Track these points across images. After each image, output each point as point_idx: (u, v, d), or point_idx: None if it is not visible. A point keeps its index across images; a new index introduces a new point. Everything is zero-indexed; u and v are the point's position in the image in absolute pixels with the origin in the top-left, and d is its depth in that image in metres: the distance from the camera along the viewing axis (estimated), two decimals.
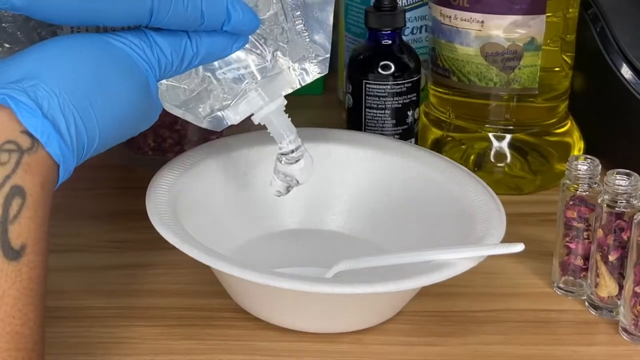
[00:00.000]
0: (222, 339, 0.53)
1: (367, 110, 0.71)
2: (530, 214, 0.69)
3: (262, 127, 0.56)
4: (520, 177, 0.72)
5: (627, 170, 0.53)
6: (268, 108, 0.54)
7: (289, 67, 0.55)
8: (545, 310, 0.57)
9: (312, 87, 0.60)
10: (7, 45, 0.49)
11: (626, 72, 0.73)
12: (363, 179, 0.64)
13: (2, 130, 0.40)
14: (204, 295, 0.58)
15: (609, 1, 0.76)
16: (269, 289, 0.49)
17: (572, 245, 0.57)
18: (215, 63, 0.53)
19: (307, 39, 0.55)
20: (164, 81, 0.52)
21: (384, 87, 0.70)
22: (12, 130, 0.40)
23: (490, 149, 0.72)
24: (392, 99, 0.71)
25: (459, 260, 0.50)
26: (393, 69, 0.70)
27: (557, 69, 0.72)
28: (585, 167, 0.56)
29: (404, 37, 0.74)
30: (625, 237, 0.53)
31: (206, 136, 0.73)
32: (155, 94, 0.48)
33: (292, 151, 0.56)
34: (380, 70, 0.70)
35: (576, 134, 0.76)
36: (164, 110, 0.51)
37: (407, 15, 0.77)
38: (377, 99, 0.71)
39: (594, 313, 0.56)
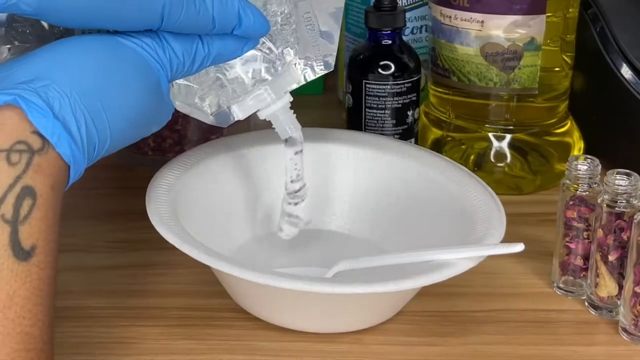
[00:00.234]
0: (222, 339, 0.53)
1: (367, 110, 0.71)
2: (530, 214, 0.69)
3: (262, 128, 0.56)
4: (520, 177, 0.72)
5: (627, 170, 0.53)
6: (275, 105, 0.54)
7: (295, 64, 0.55)
8: (545, 310, 0.57)
9: (312, 87, 0.61)
10: (17, 43, 0.49)
11: (626, 72, 0.73)
12: (363, 179, 0.64)
13: (13, 130, 0.40)
14: (204, 295, 0.58)
15: (609, 1, 0.76)
16: (269, 289, 0.49)
17: (572, 245, 0.57)
18: (225, 63, 0.54)
19: (316, 38, 0.55)
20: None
21: (384, 87, 0.70)
22: (23, 131, 0.40)
23: (490, 149, 0.72)
24: (392, 99, 0.71)
25: (459, 260, 0.50)
26: (393, 69, 0.70)
27: (557, 69, 0.72)
28: (585, 167, 0.56)
29: (404, 37, 0.74)
30: (625, 237, 0.53)
31: (206, 136, 0.73)
32: (167, 94, 0.48)
33: (297, 190, 0.58)
34: (380, 70, 0.70)
35: (576, 134, 0.76)
36: None
37: (407, 15, 0.77)
38: (377, 99, 0.71)
39: (593, 313, 0.56)
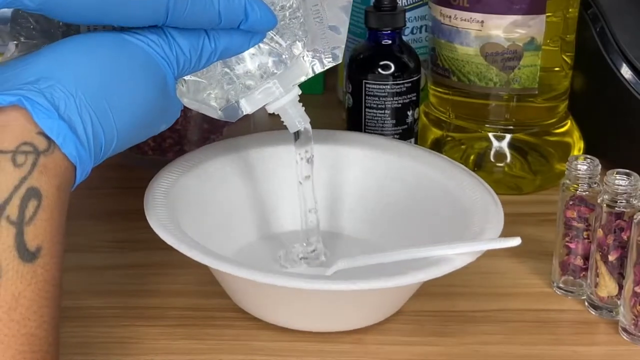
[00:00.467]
0: (222, 339, 0.53)
1: (367, 110, 0.71)
2: (530, 214, 0.69)
3: (262, 129, 0.56)
4: (520, 177, 0.72)
5: (627, 170, 0.53)
6: (284, 99, 0.54)
7: (303, 56, 0.55)
8: (545, 310, 0.57)
9: (312, 86, 0.60)
10: (22, 40, 0.49)
11: (626, 72, 0.73)
12: (363, 179, 0.64)
13: (18, 131, 0.40)
14: (204, 295, 0.58)
15: (609, 1, 0.76)
16: (268, 288, 0.49)
17: (572, 245, 0.57)
18: (233, 57, 0.53)
19: (324, 30, 0.55)
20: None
21: (384, 87, 0.70)
22: (29, 132, 0.40)
23: (490, 149, 0.72)
24: (392, 98, 0.71)
25: (456, 255, 0.50)
26: (393, 69, 0.70)
27: (557, 69, 0.72)
28: (585, 167, 0.56)
29: (404, 37, 0.74)
30: (625, 237, 0.53)
31: (206, 136, 0.73)
32: (174, 91, 0.48)
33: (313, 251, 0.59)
34: (380, 70, 0.70)
35: (576, 134, 0.76)
36: None
37: (407, 15, 0.77)
38: (377, 98, 0.71)
39: (593, 313, 0.56)
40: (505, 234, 0.53)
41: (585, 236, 0.56)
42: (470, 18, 0.69)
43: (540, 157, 0.73)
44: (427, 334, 0.54)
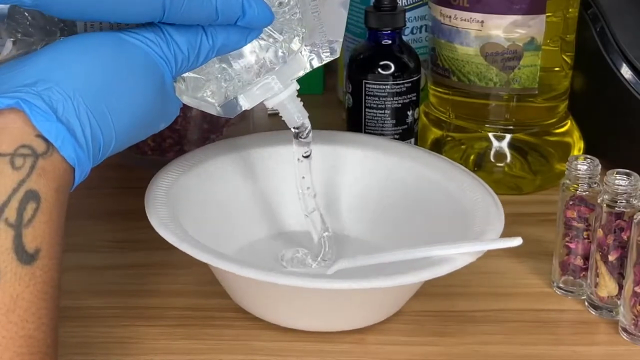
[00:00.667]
0: (222, 339, 0.53)
1: (367, 110, 0.71)
2: (530, 214, 0.69)
3: (261, 129, 0.56)
4: (520, 177, 0.72)
5: (627, 170, 0.53)
6: (283, 94, 0.54)
7: (301, 51, 0.55)
8: (545, 310, 0.57)
9: (312, 86, 0.60)
10: (20, 36, 0.49)
11: (626, 72, 0.73)
12: (363, 179, 0.64)
13: (16, 134, 0.40)
14: (204, 295, 0.58)
15: (609, 1, 0.76)
16: (269, 287, 0.49)
17: (572, 245, 0.57)
18: (230, 54, 0.53)
19: (323, 25, 0.55)
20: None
21: (384, 87, 0.70)
22: (27, 135, 0.40)
23: (490, 149, 0.72)
24: (392, 99, 0.71)
25: (458, 255, 0.50)
26: (393, 69, 0.70)
27: (557, 69, 0.72)
28: (585, 167, 0.56)
29: (404, 37, 0.74)
30: (625, 237, 0.53)
31: (206, 136, 0.73)
32: (172, 90, 0.48)
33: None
34: (380, 70, 0.70)
35: (576, 134, 0.76)
36: None
37: (407, 15, 0.77)
38: (377, 98, 0.71)
39: (593, 313, 0.56)
40: (506, 234, 0.53)
41: (585, 236, 0.56)
42: (470, 18, 0.69)
43: (540, 157, 0.73)
44: (427, 334, 0.54)
